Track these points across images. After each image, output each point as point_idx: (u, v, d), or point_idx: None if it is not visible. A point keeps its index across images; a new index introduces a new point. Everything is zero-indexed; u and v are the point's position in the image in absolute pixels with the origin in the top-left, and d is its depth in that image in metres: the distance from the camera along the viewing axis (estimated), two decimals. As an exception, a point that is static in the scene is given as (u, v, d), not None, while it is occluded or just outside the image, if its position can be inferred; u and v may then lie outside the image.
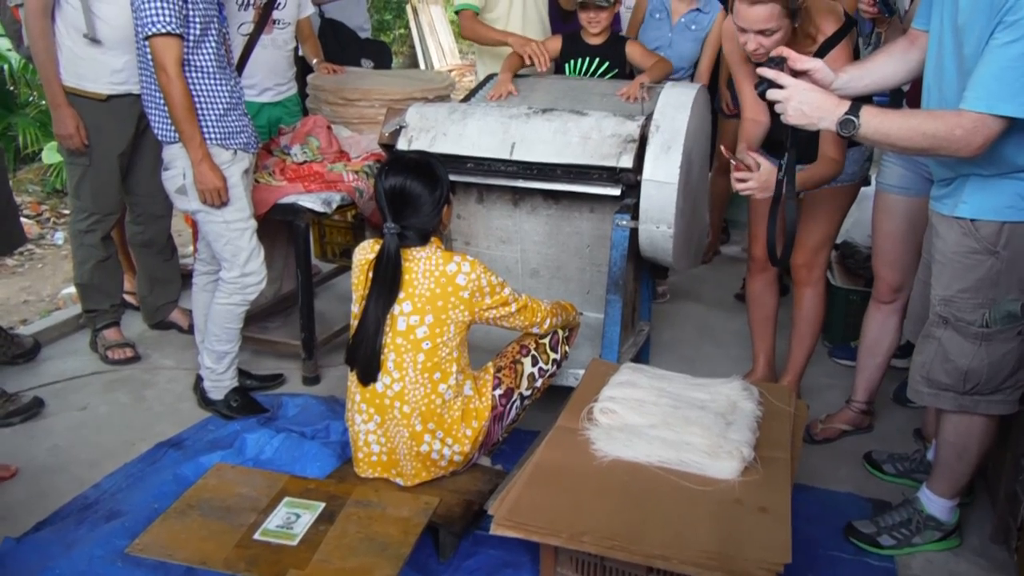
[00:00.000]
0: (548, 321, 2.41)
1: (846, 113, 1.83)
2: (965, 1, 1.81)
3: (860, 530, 2.30)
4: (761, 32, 2.32)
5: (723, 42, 2.64)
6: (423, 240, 2.22)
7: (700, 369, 3.04)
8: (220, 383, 2.87)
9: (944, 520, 2.26)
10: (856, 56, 2.50)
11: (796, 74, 1.96)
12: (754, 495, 2.00)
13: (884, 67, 2.14)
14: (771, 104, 1.96)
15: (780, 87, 1.90)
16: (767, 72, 1.92)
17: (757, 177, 2.34)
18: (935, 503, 2.26)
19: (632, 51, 3.41)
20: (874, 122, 1.83)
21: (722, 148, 2.58)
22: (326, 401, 2.96)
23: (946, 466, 2.22)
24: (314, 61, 3.85)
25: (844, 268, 3.60)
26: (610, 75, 3.45)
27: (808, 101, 1.87)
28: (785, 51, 2.00)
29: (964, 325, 2.02)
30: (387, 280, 2.16)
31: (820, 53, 2.38)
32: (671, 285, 4.06)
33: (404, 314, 2.17)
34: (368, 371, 2.19)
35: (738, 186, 2.37)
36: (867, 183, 2.84)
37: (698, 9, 3.58)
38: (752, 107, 2.62)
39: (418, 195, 2.19)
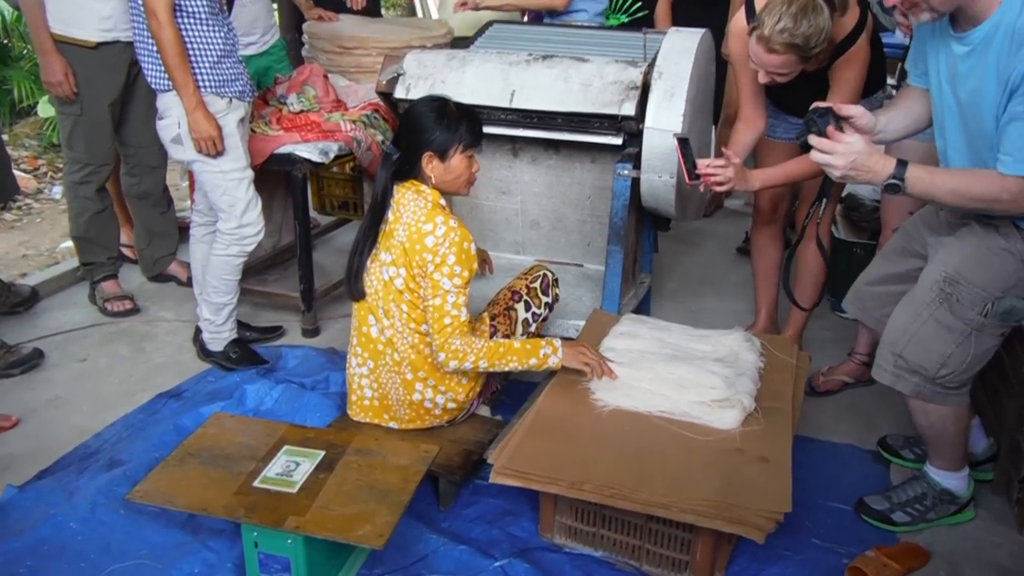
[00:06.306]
0: (461, 362, 2.11)
1: (892, 176, 1.82)
2: (966, 71, 1.80)
3: (872, 507, 2.21)
4: (775, 72, 2.24)
5: (730, 40, 2.53)
6: (402, 175, 2.17)
7: (702, 321, 3.02)
8: (219, 335, 2.86)
9: (959, 493, 2.18)
10: (876, 47, 2.43)
11: (838, 120, 1.88)
12: (755, 445, 2.00)
13: (904, 118, 2.09)
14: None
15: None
16: (813, 140, 1.87)
17: (736, 172, 2.32)
18: (944, 477, 2.18)
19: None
20: (920, 186, 1.83)
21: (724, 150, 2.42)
22: (325, 353, 2.95)
23: (933, 447, 2.17)
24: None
25: (849, 221, 3.56)
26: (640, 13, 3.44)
27: (857, 166, 1.83)
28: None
29: (963, 309, 1.94)
30: (375, 204, 2.18)
31: (837, 53, 2.31)
32: (672, 238, 4.02)
33: (384, 264, 2.16)
34: (351, 284, 2.22)
35: (718, 184, 2.32)
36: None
37: None
38: (749, 108, 2.54)
39: (412, 119, 2.16)
